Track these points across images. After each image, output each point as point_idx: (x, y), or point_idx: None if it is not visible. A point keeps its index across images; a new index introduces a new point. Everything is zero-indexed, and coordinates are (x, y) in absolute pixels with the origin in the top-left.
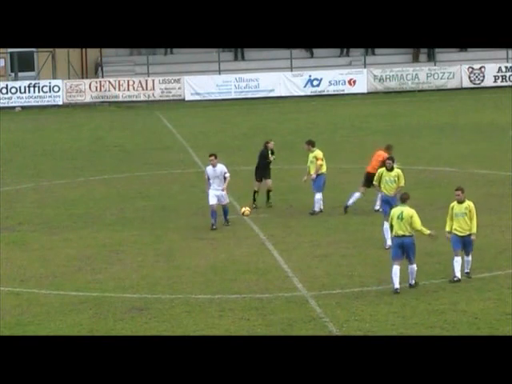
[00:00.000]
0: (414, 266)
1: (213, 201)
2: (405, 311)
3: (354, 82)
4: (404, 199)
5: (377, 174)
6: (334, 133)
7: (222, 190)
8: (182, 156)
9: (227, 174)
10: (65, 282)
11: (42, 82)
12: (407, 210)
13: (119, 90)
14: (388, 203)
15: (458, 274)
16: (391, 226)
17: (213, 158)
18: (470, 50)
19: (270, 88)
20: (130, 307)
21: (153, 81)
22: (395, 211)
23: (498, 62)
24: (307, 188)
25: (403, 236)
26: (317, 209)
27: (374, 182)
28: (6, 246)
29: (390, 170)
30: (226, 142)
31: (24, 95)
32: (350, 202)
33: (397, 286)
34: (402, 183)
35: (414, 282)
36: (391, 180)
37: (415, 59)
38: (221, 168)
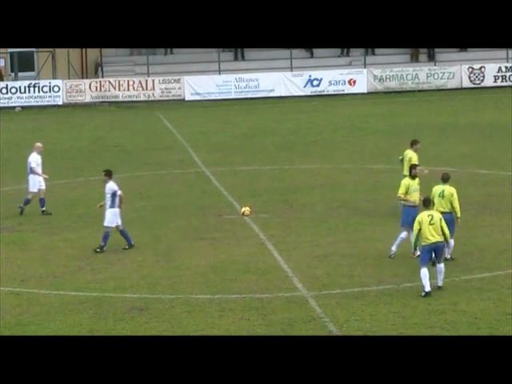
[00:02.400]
0: (452, 242)
1: (106, 222)
2: (405, 311)
3: (354, 82)
4: (445, 179)
5: (404, 186)
6: (334, 133)
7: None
8: (182, 156)
9: (118, 192)
10: (65, 282)
11: (42, 82)
12: (448, 189)
13: (119, 90)
14: (412, 214)
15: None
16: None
17: (103, 174)
18: (470, 50)
19: (270, 88)
20: (130, 307)
21: (153, 81)
22: (437, 189)
23: (497, 61)
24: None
25: (443, 213)
26: None
27: (400, 195)
28: (5, 246)
29: (414, 178)
30: (226, 142)
31: (24, 95)
32: None
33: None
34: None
35: (449, 256)
36: (416, 188)
37: (415, 59)
38: (110, 186)
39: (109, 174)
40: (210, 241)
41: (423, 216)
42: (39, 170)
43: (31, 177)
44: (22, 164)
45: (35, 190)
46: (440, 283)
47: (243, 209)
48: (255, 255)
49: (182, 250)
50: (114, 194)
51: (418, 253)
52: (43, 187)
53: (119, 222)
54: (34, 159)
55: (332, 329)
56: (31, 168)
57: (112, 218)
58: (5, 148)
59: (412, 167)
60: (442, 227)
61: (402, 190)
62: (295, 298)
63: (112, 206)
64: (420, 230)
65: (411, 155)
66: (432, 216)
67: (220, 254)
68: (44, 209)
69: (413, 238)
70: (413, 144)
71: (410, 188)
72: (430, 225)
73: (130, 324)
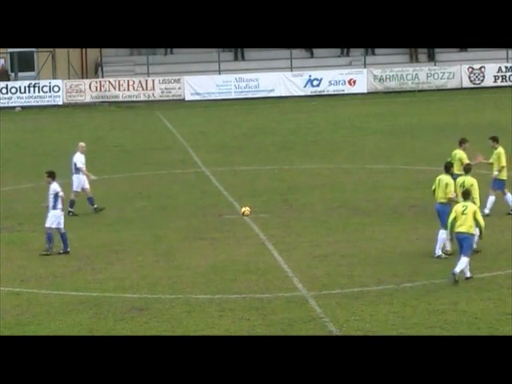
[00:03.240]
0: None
1: (47, 223)
2: (405, 311)
3: (354, 82)
4: (467, 169)
5: (453, 185)
6: (334, 133)
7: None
8: (182, 156)
9: (60, 193)
10: (65, 282)
11: (42, 82)
12: (468, 180)
13: (119, 90)
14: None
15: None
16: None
17: (46, 176)
18: (470, 50)
19: (270, 88)
20: (130, 307)
21: (153, 81)
22: (458, 180)
23: (497, 61)
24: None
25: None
26: None
27: (453, 194)
28: (5, 246)
29: (467, 173)
30: (225, 142)
31: (24, 95)
32: None
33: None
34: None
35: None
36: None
37: (415, 59)
38: (53, 187)
39: (52, 176)
40: (209, 241)
41: (458, 206)
42: (84, 169)
43: (76, 177)
44: (22, 164)
45: (79, 190)
46: (457, 270)
47: (243, 209)
48: (255, 255)
49: (182, 250)
50: (56, 195)
51: (448, 250)
52: (87, 186)
53: (61, 225)
54: (79, 159)
55: (332, 329)
56: (77, 168)
57: (53, 219)
58: (5, 148)
59: (468, 166)
60: (476, 219)
61: (454, 189)
62: (295, 297)
63: (54, 207)
64: (454, 218)
65: (460, 155)
66: (466, 207)
67: (220, 254)
68: (96, 206)
69: (448, 227)
70: (461, 143)
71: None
72: (462, 214)
73: (130, 324)
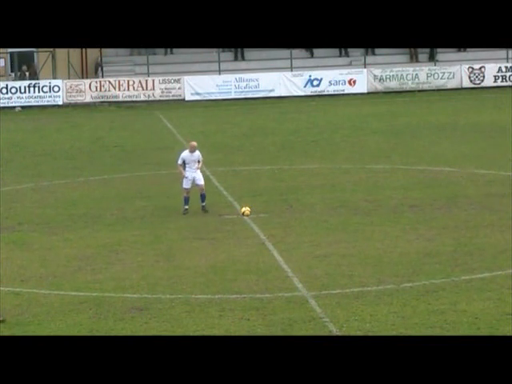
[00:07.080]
0: None
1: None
2: (405, 311)
3: (354, 81)
4: None
5: None
6: (334, 133)
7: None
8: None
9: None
10: (65, 282)
11: (42, 82)
12: None
13: (119, 90)
14: None
15: None
16: None
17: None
18: (469, 50)
19: (270, 88)
20: (130, 307)
21: (153, 81)
22: None
23: (497, 62)
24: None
25: None
26: None
27: None
28: (5, 245)
29: None
30: (225, 142)
31: (24, 95)
32: None
33: None
34: None
35: None
36: None
37: (415, 59)
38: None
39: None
40: (210, 241)
41: None
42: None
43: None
44: (22, 164)
45: (188, 187)
46: None
47: (243, 209)
48: (255, 255)
49: (182, 250)
50: None
51: None
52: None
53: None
54: (182, 156)
55: (332, 329)
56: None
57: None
58: (5, 148)
59: None
60: None
61: None
62: (295, 298)
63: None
64: None
65: None
66: None
67: (220, 254)
68: (204, 204)
69: None
70: None
71: None
72: None
73: (130, 324)
